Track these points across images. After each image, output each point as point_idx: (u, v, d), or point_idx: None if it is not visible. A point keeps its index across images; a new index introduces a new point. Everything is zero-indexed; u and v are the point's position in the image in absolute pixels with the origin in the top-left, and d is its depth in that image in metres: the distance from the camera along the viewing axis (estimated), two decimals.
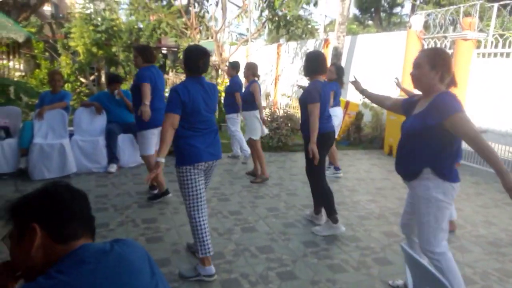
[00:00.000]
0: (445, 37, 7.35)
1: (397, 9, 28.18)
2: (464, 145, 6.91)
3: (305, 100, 3.64)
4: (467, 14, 8.05)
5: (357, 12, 28.79)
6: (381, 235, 3.84)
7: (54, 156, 5.12)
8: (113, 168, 5.54)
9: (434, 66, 2.29)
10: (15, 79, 11.46)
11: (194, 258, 3.17)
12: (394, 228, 4.01)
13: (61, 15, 18.07)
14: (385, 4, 27.43)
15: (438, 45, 7.47)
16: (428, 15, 7.92)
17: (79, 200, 1.22)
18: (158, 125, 3.97)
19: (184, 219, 3.94)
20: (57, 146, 5.14)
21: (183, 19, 10.54)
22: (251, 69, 5.55)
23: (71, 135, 5.57)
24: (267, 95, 12.93)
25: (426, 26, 7.80)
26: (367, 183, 5.57)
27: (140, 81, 4.15)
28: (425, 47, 7.77)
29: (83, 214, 1.21)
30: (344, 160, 6.80)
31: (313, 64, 3.75)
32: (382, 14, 28.13)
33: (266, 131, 5.81)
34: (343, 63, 9.29)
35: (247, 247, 3.43)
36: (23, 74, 13.08)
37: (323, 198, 3.80)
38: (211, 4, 11.15)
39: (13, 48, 13.32)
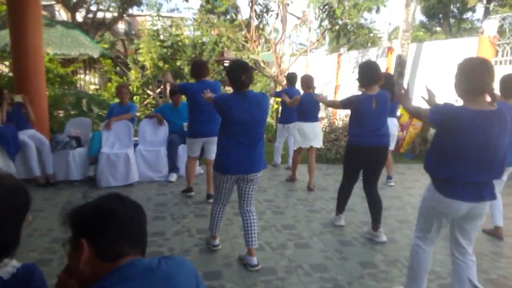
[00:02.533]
0: None
1: (468, 14, 26.43)
2: None
3: None
4: None
5: (424, 18, 27.54)
6: (447, 258, 3.52)
7: (120, 165, 5.40)
8: (173, 177, 5.72)
9: None
10: (90, 92, 12.42)
11: (246, 271, 3.13)
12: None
13: (133, 32, 19.35)
14: (454, 9, 25.89)
15: None
16: (503, 19, 7.31)
17: (132, 217, 1.21)
18: (196, 136, 4.65)
19: (237, 231, 3.95)
20: (123, 155, 5.42)
21: (243, 32, 10.73)
22: (305, 82, 5.57)
23: (136, 145, 5.86)
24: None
25: (501, 32, 7.21)
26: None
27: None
28: (500, 53, 7.17)
29: (133, 232, 1.20)
30: (407, 175, 6.43)
31: (367, 74, 3.68)
32: (451, 20, 26.57)
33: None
34: (407, 72, 8.87)
35: (300, 264, 3.33)
36: (97, 87, 14.13)
37: (339, 195, 4.15)
38: (271, 16, 11.21)
39: (89, 64, 14.52)
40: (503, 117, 2.23)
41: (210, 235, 3.56)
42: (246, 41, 11.00)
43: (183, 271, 1.17)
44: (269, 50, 11.73)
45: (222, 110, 3.09)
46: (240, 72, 3.03)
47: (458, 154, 2.27)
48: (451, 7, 25.46)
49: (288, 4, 10.69)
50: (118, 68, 13.70)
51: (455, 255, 2.55)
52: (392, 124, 5.45)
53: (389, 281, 3.09)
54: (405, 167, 7.01)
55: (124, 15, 16.83)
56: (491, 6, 18.35)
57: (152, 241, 3.71)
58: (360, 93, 3.78)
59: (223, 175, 3.16)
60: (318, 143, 5.55)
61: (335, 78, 13.04)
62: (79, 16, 16.73)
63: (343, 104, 3.87)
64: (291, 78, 6.29)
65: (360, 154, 3.78)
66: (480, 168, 2.27)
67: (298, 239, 3.84)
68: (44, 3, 15.97)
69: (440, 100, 2.88)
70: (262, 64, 11.27)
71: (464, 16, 26.69)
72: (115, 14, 16.47)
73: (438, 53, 8.84)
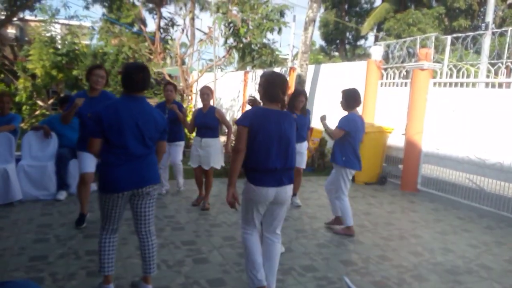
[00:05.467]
0: (403, 67, 7.59)
1: (361, 42, 29.39)
2: (426, 171, 6.95)
3: None
4: (424, 46, 8.39)
5: (323, 43, 29.82)
6: (339, 264, 3.72)
7: None
8: (62, 195, 5.20)
9: None
10: None
11: None
12: (353, 256, 3.91)
13: (26, 38, 17.62)
14: (350, 37, 28.57)
15: (397, 75, 7.70)
16: (388, 46, 8.19)
17: None
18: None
19: (131, 251, 3.69)
20: (1, 171, 4.78)
21: (146, 43, 10.43)
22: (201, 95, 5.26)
23: (18, 160, 5.23)
24: (234, 121, 12.88)
25: (388, 58, 8.06)
26: (328, 210, 5.46)
27: None
28: (385, 76, 7.98)
29: None
30: (306, 187, 6.73)
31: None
32: (347, 46, 29.21)
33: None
34: (306, 90, 9.40)
35: (197, 280, 3.21)
36: None
37: None
38: (176, 30, 11.11)
39: None
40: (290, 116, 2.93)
41: (103, 277, 2.89)
42: (151, 53, 10.70)
43: None
44: (177, 64, 11.57)
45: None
46: (135, 72, 2.75)
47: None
48: (347, 34, 28.04)
49: (193, 19, 10.70)
50: (2, 75, 12.30)
51: (266, 236, 2.99)
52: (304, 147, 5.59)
53: None
54: (305, 179, 7.33)
55: (14, 18, 15.24)
56: (380, 34, 20.60)
57: (31, 266, 3.29)
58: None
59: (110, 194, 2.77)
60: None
61: (242, 95, 13.34)
62: None
63: None
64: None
65: None
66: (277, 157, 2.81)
67: (196, 254, 3.72)
68: None
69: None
70: (168, 78, 11.05)
71: (358, 43, 29.56)
72: (3, 18, 14.84)
73: (334, 74, 9.56)
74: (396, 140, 7.56)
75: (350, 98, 4.46)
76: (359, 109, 4.66)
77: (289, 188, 2.90)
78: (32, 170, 5.16)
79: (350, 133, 4.37)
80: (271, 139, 2.77)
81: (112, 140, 2.69)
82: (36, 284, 1.07)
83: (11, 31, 19.57)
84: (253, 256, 2.86)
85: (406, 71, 7.63)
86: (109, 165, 2.72)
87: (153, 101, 11.42)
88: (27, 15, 15.37)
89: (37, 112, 11.87)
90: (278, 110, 2.88)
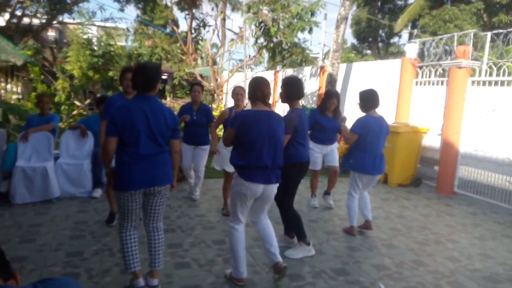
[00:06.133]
0: (440, 65, 7.33)
1: (395, 39, 28.65)
2: (464, 173, 6.69)
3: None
4: (461, 43, 8.07)
5: (355, 41, 29.28)
6: (372, 268, 3.63)
7: (37, 179, 4.97)
8: (97, 193, 5.36)
9: None
10: (12, 101, 11.46)
11: None
12: (386, 260, 3.81)
13: (64, 40, 18.34)
14: (383, 34, 27.90)
15: (433, 73, 7.44)
16: (423, 43, 7.94)
17: None
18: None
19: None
20: (40, 169, 4.99)
21: (178, 44, 10.59)
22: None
23: (56, 158, 5.44)
24: None
25: (423, 55, 7.80)
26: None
27: None
28: (420, 74, 7.74)
29: None
30: (338, 188, 6.62)
31: (290, 89, 3.72)
32: (380, 44, 28.55)
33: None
34: (338, 89, 9.26)
35: (228, 280, 3.22)
36: (20, 97, 13.09)
37: (293, 223, 3.81)
38: (208, 31, 11.20)
39: (11, 71, 13.44)
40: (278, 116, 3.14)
41: (132, 273, 2.94)
42: (183, 54, 10.86)
43: None
44: (208, 64, 11.70)
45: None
46: (136, 73, 2.84)
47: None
48: (380, 31, 27.39)
49: (224, 19, 10.76)
50: (43, 77, 12.85)
51: (253, 220, 3.29)
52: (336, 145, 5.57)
53: None
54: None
55: (54, 22, 15.89)
56: (415, 32, 20.00)
57: (67, 262, 3.41)
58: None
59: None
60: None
61: (272, 94, 13.32)
62: (1, 20, 15.51)
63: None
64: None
65: (302, 170, 3.77)
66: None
67: (227, 254, 3.73)
68: None
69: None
70: (199, 78, 11.18)
71: (392, 41, 28.83)
72: (44, 21, 15.50)
73: (366, 72, 9.36)
74: (431, 140, 7.32)
75: (366, 99, 4.33)
76: (379, 110, 4.46)
77: (275, 187, 3.15)
78: (69, 168, 5.34)
79: (361, 136, 4.25)
80: (262, 138, 2.98)
81: (125, 139, 2.78)
82: (76, 281, 1.09)
83: (51, 33, 20.37)
84: (237, 252, 3.13)
85: (443, 69, 7.35)
86: (122, 163, 2.81)
87: (183, 102, 11.59)
88: (66, 18, 16.02)
89: (75, 112, 12.34)
90: (267, 111, 3.09)
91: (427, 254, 4.02)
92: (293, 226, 3.83)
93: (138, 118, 2.76)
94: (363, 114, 4.39)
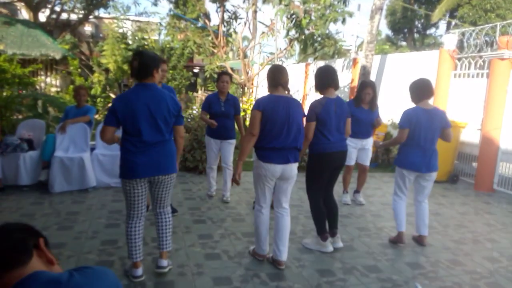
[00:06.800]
0: (480, 57, 6.99)
1: (431, 30, 27.63)
2: (504, 170, 6.41)
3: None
4: (504, 33, 7.66)
5: (390, 32, 28.47)
6: (405, 266, 3.53)
7: (74, 169, 5.15)
8: None
9: None
10: (51, 94, 11.91)
11: (200, 280, 2.99)
12: (420, 259, 3.69)
13: (100, 34, 18.88)
14: (419, 25, 26.96)
15: (473, 65, 7.11)
16: (463, 34, 7.59)
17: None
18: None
19: (194, 239, 3.81)
20: (77, 159, 5.16)
21: (210, 37, 10.63)
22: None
23: (93, 149, 5.61)
24: None
25: (462, 47, 7.48)
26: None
27: None
28: (459, 66, 7.42)
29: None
30: (369, 183, 6.48)
31: (320, 77, 3.69)
32: (416, 35, 27.63)
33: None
34: None
35: (257, 272, 3.22)
36: (59, 89, 13.59)
37: (315, 216, 3.73)
38: (239, 24, 11.17)
39: (50, 65, 13.97)
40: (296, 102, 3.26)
41: (132, 263, 3.01)
42: (214, 47, 10.90)
43: (100, 283, 1.04)
44: (239, 57, 11.70)
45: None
46: (133, 60, 2.85)
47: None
48: (416, 22, 26.48)
49: (256, 12, 10.70)
50: (80, 70, 13.30)
51: (276, 210, 3.37)
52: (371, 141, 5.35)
53: None
54: (369, 175, 7.05)
55: (90, 17, 16.37)
56: (453, 22, 19.20)
57: (102, 249, 3.52)
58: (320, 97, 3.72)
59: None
60: None
61: (303, 87, 13.17)
62: (43, 16, 16.13)
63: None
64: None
65: (323, 162, 3.66)
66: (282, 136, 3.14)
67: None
68: (3, 0, 15.29)
69: (400, 108, 2.93)
70: (230, 71, 11.20)
71: (428, 32, 27.83)
72: (81, 16, 16.00)
73: (402, 64, 9.08)
74: (470, 135, 7.02)
75: (417, 89, 3.93)
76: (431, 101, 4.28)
77: (294, 166, 3.25)
78: (105, 158, 5.50)
79: (410, 129, 3.89)
80: (282, 121, 3.11)
81: (128, 129, 2.81)
82: (111, 271, 1.10)
83: (87, 28, 21.01)
84: (260, 232, 3.35)
85: (483, 61, 7.01)
86: (127, 152, 2.84)
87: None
88: (102, 12, 16.47)
89: (110, 104, 12.69)
90: (286, 96, 3.23)
91: (464, 254, 3.86)
92: (315, 219, 3.74)
93: (139, 108, 2.78)
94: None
